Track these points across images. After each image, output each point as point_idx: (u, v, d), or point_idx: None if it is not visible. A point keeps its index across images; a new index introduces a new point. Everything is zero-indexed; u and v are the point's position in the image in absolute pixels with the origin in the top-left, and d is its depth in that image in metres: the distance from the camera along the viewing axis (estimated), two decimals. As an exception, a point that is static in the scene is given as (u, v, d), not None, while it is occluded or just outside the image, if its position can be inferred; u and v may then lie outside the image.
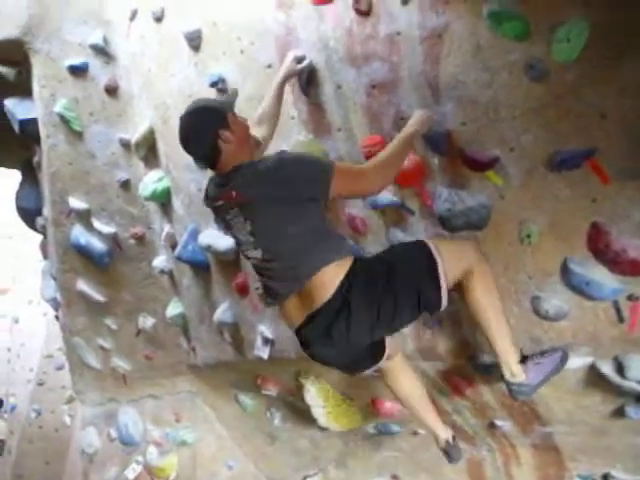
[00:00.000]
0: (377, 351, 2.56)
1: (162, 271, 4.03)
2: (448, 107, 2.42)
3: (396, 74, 2.54)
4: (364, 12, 2.56)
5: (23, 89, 4.40)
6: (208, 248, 3.39)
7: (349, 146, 2.74)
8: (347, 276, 2.26)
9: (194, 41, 3.19)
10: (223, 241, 3.29)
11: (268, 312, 3.30)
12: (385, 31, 2.53)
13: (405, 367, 2.76)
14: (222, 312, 3.55)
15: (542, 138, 2.25)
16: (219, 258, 3.45)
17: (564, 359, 2.42)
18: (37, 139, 4.40)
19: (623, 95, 2.05)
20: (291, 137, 2.93)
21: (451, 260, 2.30)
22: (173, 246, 3.78)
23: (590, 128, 2.14)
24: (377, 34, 2.54)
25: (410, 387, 2.77)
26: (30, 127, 4.41)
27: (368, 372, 2.65)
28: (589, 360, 2.52)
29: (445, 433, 2.80)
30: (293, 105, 2.90)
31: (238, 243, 2.47)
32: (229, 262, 3.40)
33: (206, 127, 2.33)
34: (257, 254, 2.36)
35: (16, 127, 4.53)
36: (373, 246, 2.81)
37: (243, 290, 3.37)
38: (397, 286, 2.26)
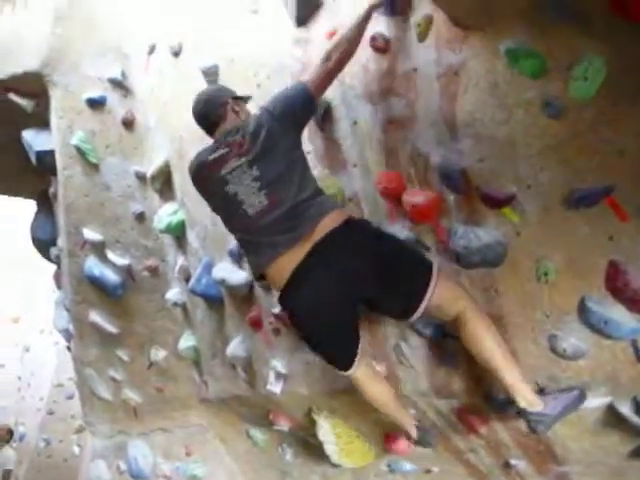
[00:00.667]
0: (353, 346, 2.60)
1: (175, 304, 4.02)
2: (465, 144, 2.42)
3: (412, 111, 2.54)
4: (381, 49, 2.59)
5: (41, 121, 4.46)
6: (222, 282, 3.37)
7: (365, 182, 2.74)
8: (349, 220, 2.47)
9: (211, 76, 3.23)
10: (237, 275, 3.30)
11: (281, 347, 3.28)
12: (402, 68, 2.55)
13: (377, 376, 2.76)
14: (235, 346, 3.53)
15: (559, 175, 2.23)
16: (233, 292, 3.43)
17: (582, 397, 2.39)
18: (53, 170, 4.45)
19: (641, 133, 2.04)
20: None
21: (446, 282, 2.44)
22: (187, 279, 3.78)
23: (608, 165, 2.12)
24: (394, 71, 2.56)
25: (385, 394, 2.76)
26: (47, 158, 4.46)
27: (342, 372, 2.65)
28: (607, 400, 2.46)
29: (413, 425, 2.87)
30: (309, 140, 2.91)
31: (234, 202, 2.53)
32: (243, 296, 3.39)
33: (218, 96, 2.70)
34: (261, 200, 2.47)
35: (33, 158, 4.59)
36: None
37: (256, 324, 3.36)
38: (394, 247, 2.51)
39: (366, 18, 2.56)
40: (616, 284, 2.19)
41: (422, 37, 2.47)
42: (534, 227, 2.34)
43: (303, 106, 2.56)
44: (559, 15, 2.03)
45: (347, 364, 2.60)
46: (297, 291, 2.47)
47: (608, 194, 2.14)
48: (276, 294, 2.65)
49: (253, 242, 2.57)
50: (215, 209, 2.75)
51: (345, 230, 2.43)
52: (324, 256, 2.41)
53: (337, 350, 2.64)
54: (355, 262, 2.41)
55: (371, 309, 2.68)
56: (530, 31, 2.15)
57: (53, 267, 5.58)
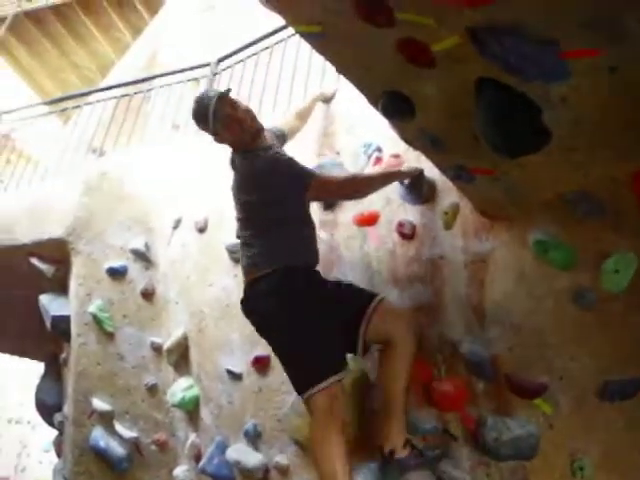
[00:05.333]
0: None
1: (182, 481, 3.84)
2: (493, 332, 2.39)
3: (439, 297, 2.55)
4: (407, 235, 2.63)
5: (60, 285, 4.49)
6: (237, 464, 3.22)
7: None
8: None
9: (235, 254, 3.26)
10: (253, 457, 3.13)
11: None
12: (428, 254, 2.58)
13: None
14: (245, 531, 3.31)
15: (591, 366, 2.19)
16: (246, 474, 3.26)
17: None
18: (67, 336, 4.42)
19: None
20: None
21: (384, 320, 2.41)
22: (197, 457, 3.62)
23: (640, 357, 2.09)
24: (420, 257, 2.59)
25: None
26: (62, 324, 4.46)
27: None
28: None
29: None
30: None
31: None
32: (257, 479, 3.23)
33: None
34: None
35: (48, 323, 4.58)
36: None
37: (269, 510, 3.17)
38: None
39: (390, 176, 2.66)
40: (657, 482, 2.10)
41: (449, 225, 2.52)
42: (568, 419, 2.26)
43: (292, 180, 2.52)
44: (588, 210, 2.07)
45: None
46: None
47: (642, 387, 2.09)
48: None
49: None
50: None
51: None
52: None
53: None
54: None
55: None
56: (559, 224, 2.19)
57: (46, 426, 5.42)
